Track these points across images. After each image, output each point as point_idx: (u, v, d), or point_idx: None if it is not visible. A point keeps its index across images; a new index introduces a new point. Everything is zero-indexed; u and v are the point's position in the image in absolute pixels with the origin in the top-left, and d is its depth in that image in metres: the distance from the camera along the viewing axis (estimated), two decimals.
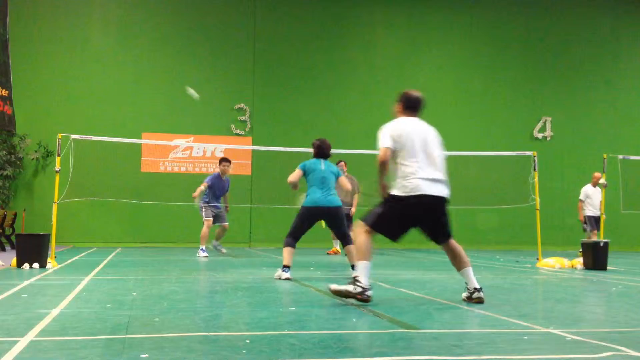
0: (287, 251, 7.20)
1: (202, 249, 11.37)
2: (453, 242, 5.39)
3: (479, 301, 5.18)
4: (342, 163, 12.90)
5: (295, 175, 7.64)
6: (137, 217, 15.90)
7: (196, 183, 13.55)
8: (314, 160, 7.92)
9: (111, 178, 15.44)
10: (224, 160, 11.75)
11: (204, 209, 11.55)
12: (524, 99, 18.79)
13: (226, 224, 11.82)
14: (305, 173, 7.73)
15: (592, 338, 3.65)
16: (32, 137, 15.69)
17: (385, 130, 5.21)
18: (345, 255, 7.74)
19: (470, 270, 5.31)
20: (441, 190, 5.14)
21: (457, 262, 5.34)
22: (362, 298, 4.93)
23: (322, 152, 8.01)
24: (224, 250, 11.96)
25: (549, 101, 18.92)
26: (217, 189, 11.57)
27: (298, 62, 17.64)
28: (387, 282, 6.84)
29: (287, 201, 15.28)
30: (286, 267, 7.11)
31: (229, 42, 17.19)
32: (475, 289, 5.24)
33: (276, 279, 7.08)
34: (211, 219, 11.57)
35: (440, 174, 5.18)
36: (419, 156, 5.10)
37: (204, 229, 11.48)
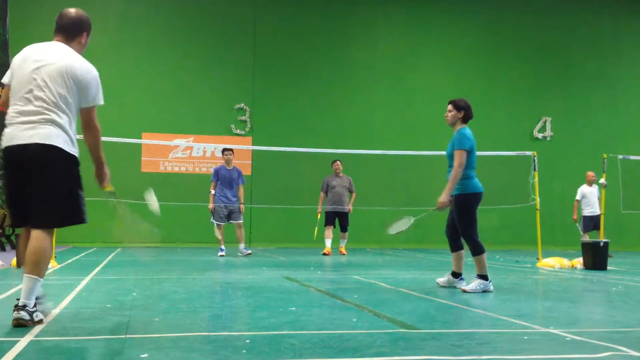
0: (485, 258, 6.16)
1: (220, 249, 11.59)
2: None
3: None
4: (338, 162, 12.83)
5: (464, 157, 6.14)
6: (137, 217, 15.87)
7: (196, 183, 13.57)
8: (469, 130, 6.36)
9: (111, 178, 15.37)
10: (225, 150, 11.89)
11: (213, 214, 11.64)
12: (524, 99, 18.79)
13: (239, 222, 11.69)
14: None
15: (592, 338, 3.65)
16: None
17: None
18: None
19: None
20: None
21: None
22: None
23: (471, 117, 6.44)
24: (246, 252, 11.61)
25: (549, 101, 18.92)
26: (223, 179, 11.62)
27: (298, 62, 17.63)
28: (387, 282, 6.84)
29: (287, 201, 15.30)
30: (487, 277, 6.15)
31: (229, 42, 17.19)
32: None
33: (477, 291, 6.05)
34: (221, 223, 11.60)
35: None
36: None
37: (217, 234, 11.63)
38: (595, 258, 9.46)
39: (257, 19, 17.39)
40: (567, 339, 3.66)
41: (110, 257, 10.96)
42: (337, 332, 3.78)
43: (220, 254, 11.47)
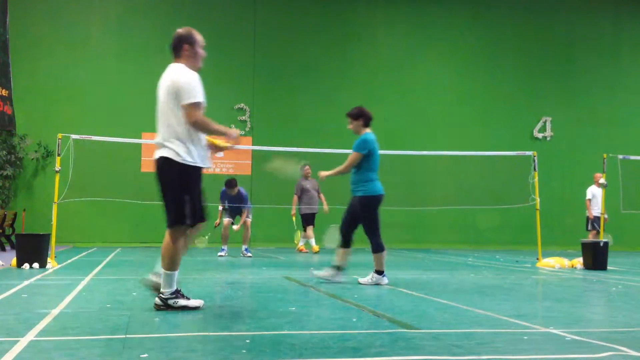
0: (383, 256, 6.69)
1: (220, 249, 11.84)
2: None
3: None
4: (308, 167, 13.04)
5: (357, 159, 6.57)
6: (137, 217, 15.89)
7: None
8: (372, 135, 6.74)
9: (111, 178, 15.43)
10: (228, 183, 11.77)
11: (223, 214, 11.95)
12: (524, 99, 18.79)
13: (247, 219, 11.83)
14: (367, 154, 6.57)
15: (592, 338, 3.66)
16: (32, 137, 15.69)
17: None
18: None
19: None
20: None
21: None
22: None
23: (370, 119, 6.82)
24: (247, 254, 11.70)
25: (549, 101, 18.92)
26: (228, 200, 11.75)
27: (298, 62, 17.63)
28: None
29: (287, 201, 15.32)
30: (383, 272, 6.67)
31: (229, 42, 17.19)
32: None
33: (370, 283, 6.60)
34: (229, 218, 11.85)
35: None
36: None
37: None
38: (595, 258, 9.46)
39: (258, 19, 17.39)
40: (567, 339, 3.66)
41: (110, 257, 10.96)
42: (337, 332, 3.78)
43: (220, 254, 11.51)
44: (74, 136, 9.40)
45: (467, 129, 18.14)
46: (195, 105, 4.60)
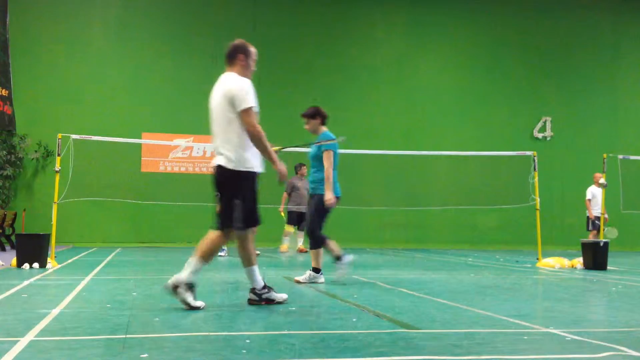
0: (321, 252, 6.69)
1: (220, 249, 11.67)
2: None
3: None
4: (304, 167, 13.11)
5: (332, 157, 6.55)
6: (137, 217, 15.89)
7: (196, 183, 13.54)
8: (330, 133, 6.76)
9: (111, 178, 15.42)
10: None
11: None
12: (524, 99, 18.80)
13: None
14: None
15: (592, 338, 3.66)
16: (32, 137, 15.69)
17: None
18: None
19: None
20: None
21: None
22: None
23: (326, 117, 6.90)
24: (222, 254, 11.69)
25: (549, 101, 18.93)
26: None
27: (298, 62, 17.63)
28: (387, 282, 6.83)
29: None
30: (320, 270, 6.73)
31: (228, 42, 17.17)
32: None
33: (307, 281, 6.68)
34: None
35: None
36: None
37: None
38: (595, 258, 9.46)
39: (257, 20, 17.39)
40: (567, 339, 3.66)
41: (110, 257, 10.96)
42: (337, 332, 3.78)
43: (220, 254, 11.46)
44: (74, 136, 9.40)
45: (467, 128, 18.15)
46: (249, 110, 4.77)
